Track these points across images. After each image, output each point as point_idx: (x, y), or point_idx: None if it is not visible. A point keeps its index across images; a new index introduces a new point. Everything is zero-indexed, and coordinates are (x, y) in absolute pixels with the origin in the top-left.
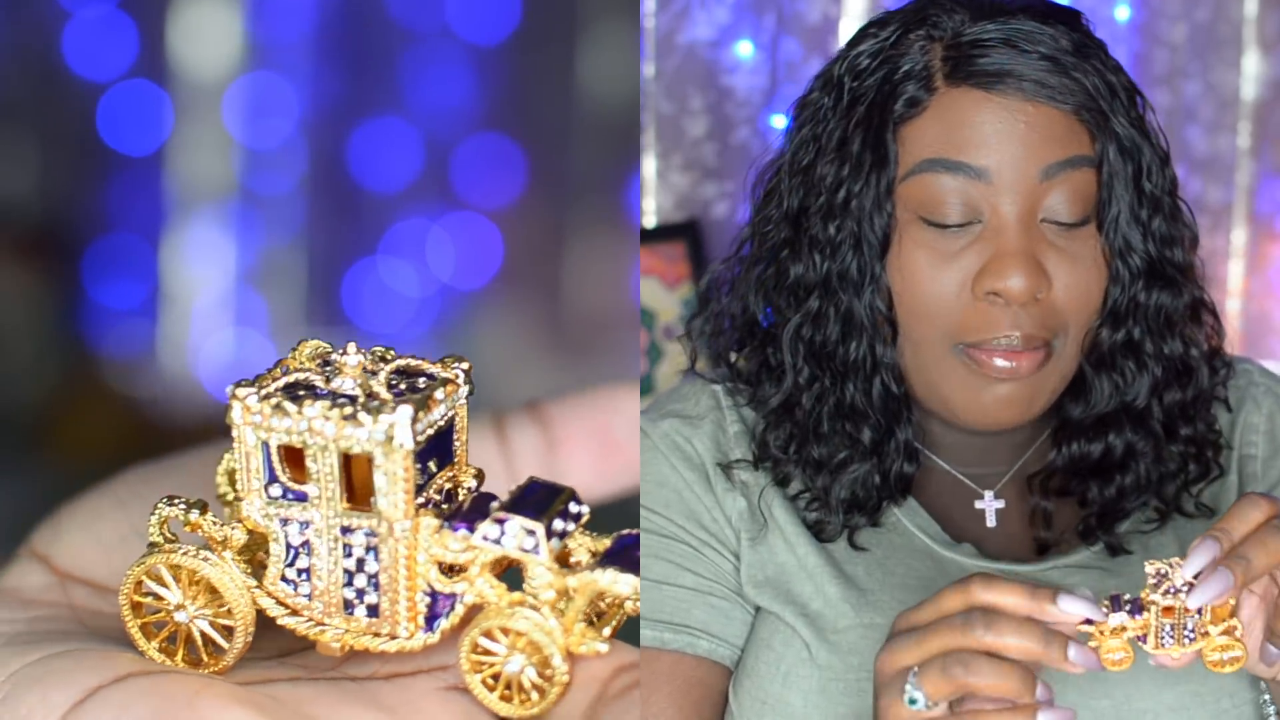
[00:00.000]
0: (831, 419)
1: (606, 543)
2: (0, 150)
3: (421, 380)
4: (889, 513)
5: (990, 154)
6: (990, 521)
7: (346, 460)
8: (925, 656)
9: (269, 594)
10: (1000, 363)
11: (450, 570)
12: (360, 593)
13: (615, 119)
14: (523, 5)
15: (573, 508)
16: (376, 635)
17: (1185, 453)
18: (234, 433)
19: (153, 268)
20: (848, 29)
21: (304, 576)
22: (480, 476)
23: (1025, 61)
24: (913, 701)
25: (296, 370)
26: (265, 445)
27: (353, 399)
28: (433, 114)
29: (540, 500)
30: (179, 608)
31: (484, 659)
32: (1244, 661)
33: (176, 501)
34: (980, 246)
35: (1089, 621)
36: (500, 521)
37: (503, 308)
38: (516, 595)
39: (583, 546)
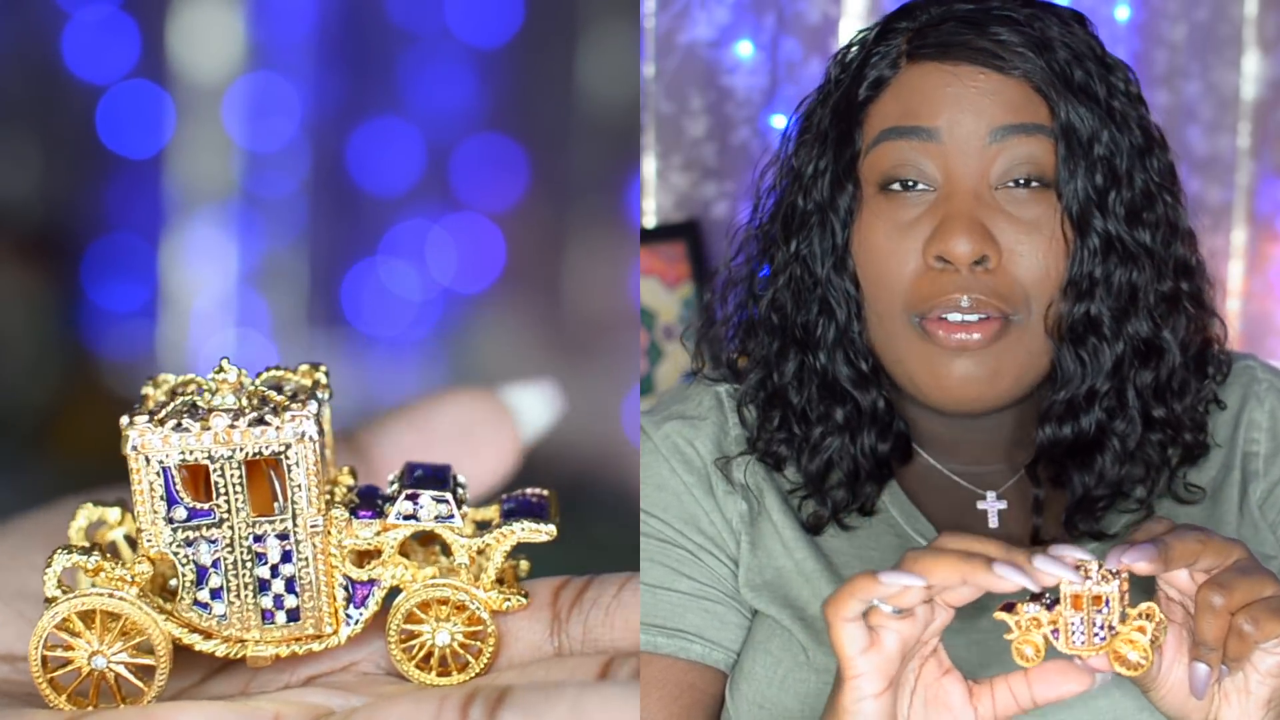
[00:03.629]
0: (815, 401)
1: (488, 510)
2: (1, 152)
3: (288, 387)
4: (886, 512)
5: (939, 115)
6: (993, 522)
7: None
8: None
9: (183, 622)
10: (956, 335)
11: (359, 559)
12: (278, 599)
13: (615, 119)
14: (523, 7)
15: (460, 478)
16: (299, 639)
17: (1164, 438)
18: (132, 464)
19: (153, 270)
20: (848, 29)
21: (217, 596)
22: (354, 473)
23: (981, 34)
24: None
25: (168, 399)
26: (166, 470)
27: (241, 409)
28: (433, 115)
29: (434, 477)
30: (95, 654)
31: (411, 642)
32: (1148, 666)
33: (72, 550)
34: (933, 214)
35: (1009, 608)
36: (413, 498)
37: (503, 308)
38: (430, 570)
39: (467, 516)
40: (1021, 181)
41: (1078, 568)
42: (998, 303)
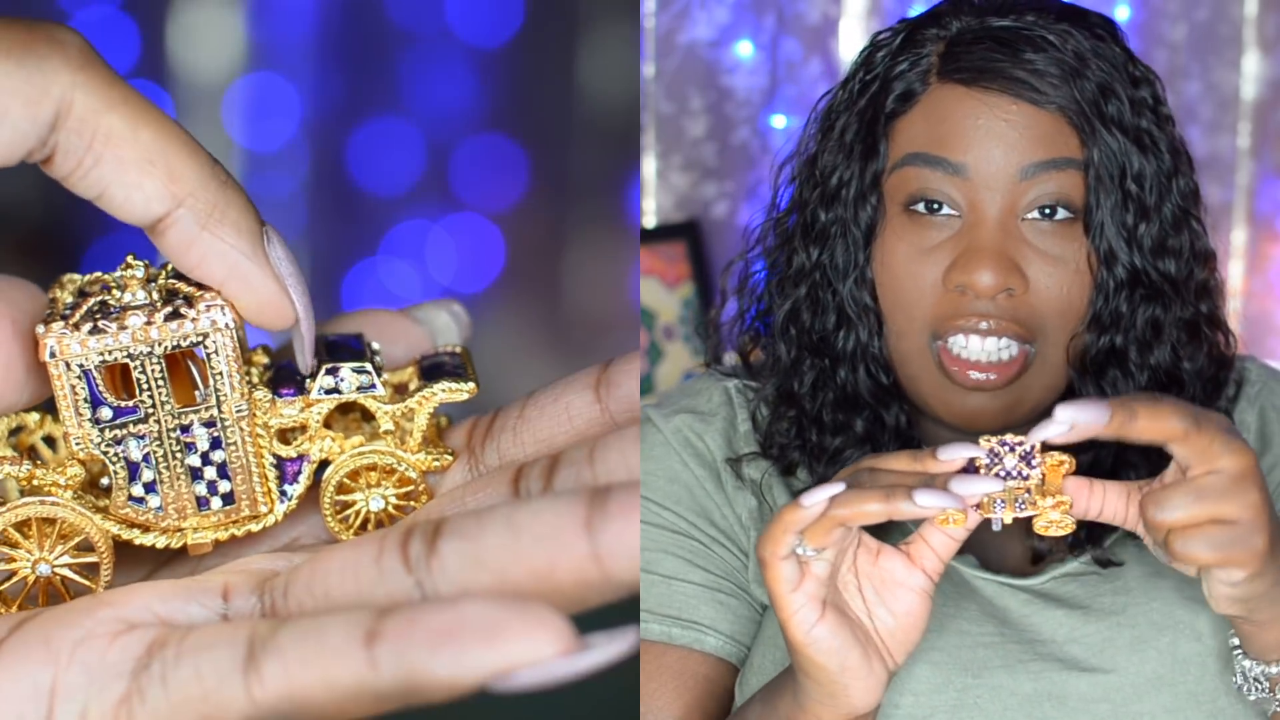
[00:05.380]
0: (830, 408)
1: (405, 373)
2: None
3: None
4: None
5: (970, 150)
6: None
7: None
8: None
9: (120, 518)
10: (974, 375)
11: (285, 436)
12: (211, 485)
13: (615, 119)
14: (523, 7)
15: (374, 345)
16: (236, 521)
17: None
18: (52, 370)
19: None
20: (848, 29)
21: (151, 490)
22: (268, 352)
23: (1014, 61)
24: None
25: (76, 300)
26: (87, 373)
27: (154, 304)
28: (433, 115)
29: (350, 347)
30: (38, 561)
31: (346, 512)
32: (1070, 530)
33: (1, 462)
34: (956, 240)
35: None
36: (333, 372)
37: (503, 308)
38: (356, 438)
39: (385, 382)
40: (1048, 211)
41: (994, 454)
42: (1018, 328)
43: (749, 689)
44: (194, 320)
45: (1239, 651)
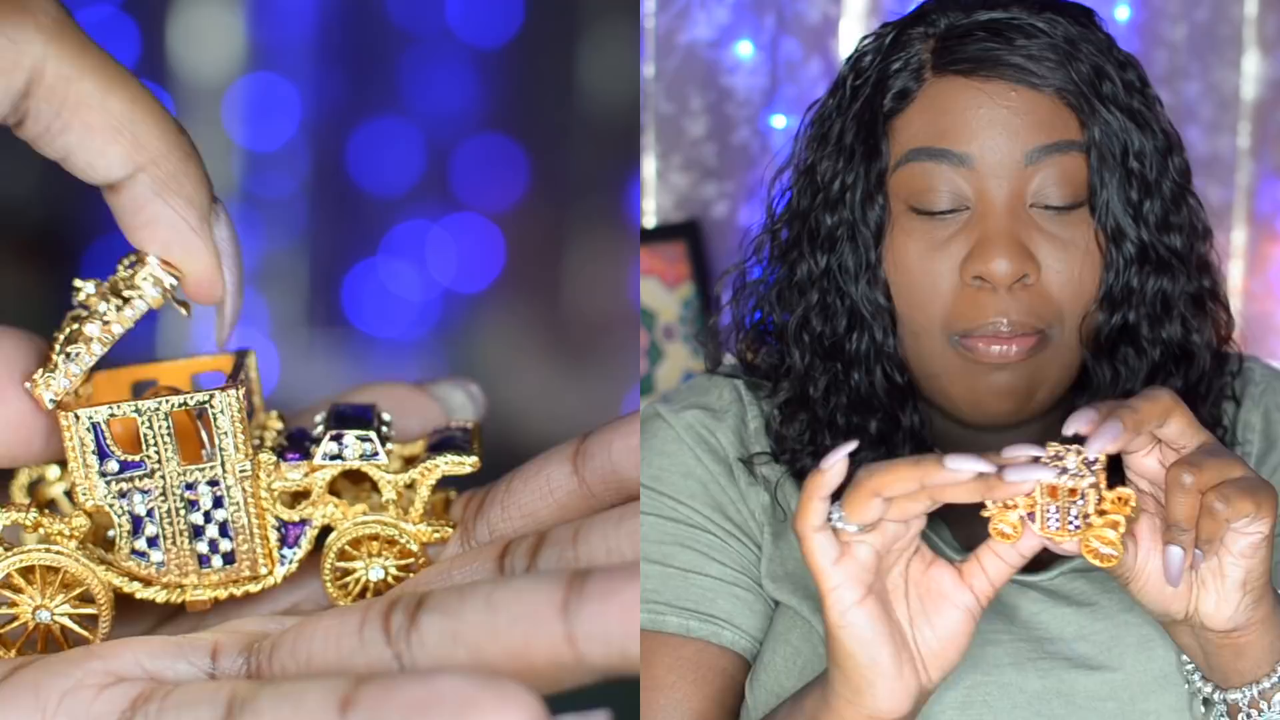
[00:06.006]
0: (844, 411)
1: (415, 446)
2: (1, 152)
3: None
4: None
5: (974, 140)
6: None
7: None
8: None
9: (122, 571)
10: (994, 348)
11: (291, 501)
12: (213, 544)
13: (615, 119)
14: (523, 7)
15: (385, 416)
16: (236, 581)
17: None
18: (62, 422)
19: None
20: (848, 29)
21: (154, 544)
22: (283, 418)
23: (1010, 48)
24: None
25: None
26: (96, 426)
27: (109, 305)
28: (433, 115)
29: (358, 416)
30: (39, 608)
31: (346, 580)
32: (1119, 559)
33: (10, 509)
34: (968, 232)
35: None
36: (337, 439)
37: (503, 308)
38: (359, 506)
39: (394, 453)
40: (1061, 207)
41: (1057, 456)
42: (1035, 321)
43: (759, 685)
44: (141, 295)
45: (1204, 682)
